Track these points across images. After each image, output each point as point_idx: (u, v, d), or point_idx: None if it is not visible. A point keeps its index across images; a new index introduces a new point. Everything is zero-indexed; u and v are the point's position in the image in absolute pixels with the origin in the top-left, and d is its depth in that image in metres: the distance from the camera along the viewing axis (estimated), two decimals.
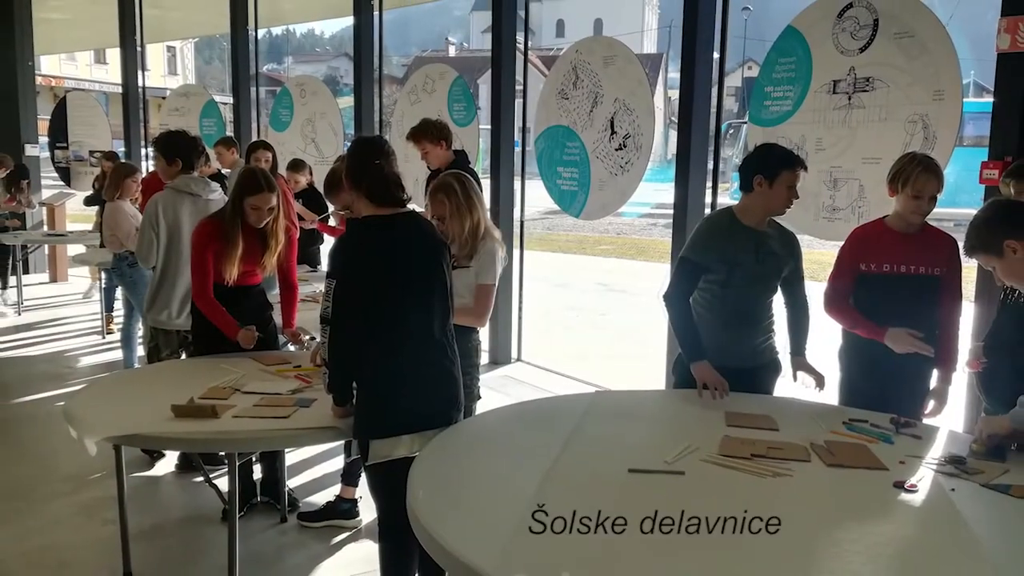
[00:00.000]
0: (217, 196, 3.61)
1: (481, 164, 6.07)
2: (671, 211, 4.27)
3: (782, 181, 2.47)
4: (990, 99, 3.16)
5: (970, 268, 2.62)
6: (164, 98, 9.92)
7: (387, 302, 2.14)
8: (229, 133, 7.54)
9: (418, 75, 6.10)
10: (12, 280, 7.34)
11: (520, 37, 5.75)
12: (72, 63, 27.44)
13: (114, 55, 12.10)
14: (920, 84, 3.19)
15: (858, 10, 3.35)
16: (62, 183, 9.14)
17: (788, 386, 2.72)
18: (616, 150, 4.55)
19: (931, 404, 2.58)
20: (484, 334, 3.46)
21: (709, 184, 4.16)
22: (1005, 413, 2.02)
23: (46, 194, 8.90)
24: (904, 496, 1.79)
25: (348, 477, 3.14)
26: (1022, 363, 2.13)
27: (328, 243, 4.78)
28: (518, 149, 5.56)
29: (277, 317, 3.27)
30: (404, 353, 2.16)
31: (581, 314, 8.07)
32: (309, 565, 2.88)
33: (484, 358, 4.29)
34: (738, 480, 1.85)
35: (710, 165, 4.19)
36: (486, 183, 4.97)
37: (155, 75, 25.88)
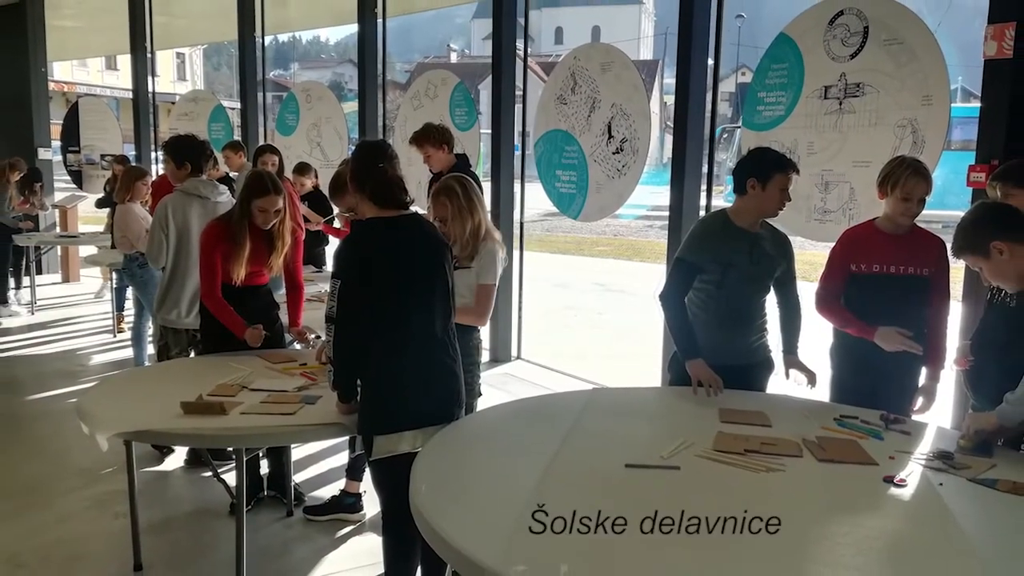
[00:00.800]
0: (225, 199, 3.65)
1: (482, 167, 6.12)
2: (667, 213, 4.30)
3: (775, 184, 2.51)
4: (977, 104, 3.20)
5: (958, 268, 2.64)
6: (173, 103, 9.97)
7: (390, 302, 2.17)
8: (237, 137, 7.61)
9: (420, 81, 6.14)
10: (26, 280, 7.41)
11: (520, 44, 5.79)
12: (84, 69, 27.58)
13: (125, 61, 12.15)
14: (909, 90, 3.22)
15: (849, 18, 3.39)
16: (74, 186, 9.21)
17: (781, 383, 2.76)
18: (613, 154, 4.60)
19: (920, 401, 2.62)
20: (485, 333, 3.48)
21: (704, 187, 4.20)
22: (992, 410, 2.05)
23: (59, 197, 8.99)
24: (893, 490, 1.82)
25: (352, 472, 3.18)
26: (1008, 361, 2.14)
27: (333, 244, 4.84)
28: (518, 153, 5.59)
29: (283, 316, 3.30)
30: (407, 352, 2.19)
31: (579, 313, 8.09)
32: (315, 558, 2.91)
33: (485, 356, 4.30)
34: (732, 475, 1.87)
35: (705, 168, 4.24)
36: (487, 186, 5.00)
37: (165, 81, 25.94)
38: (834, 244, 2.71)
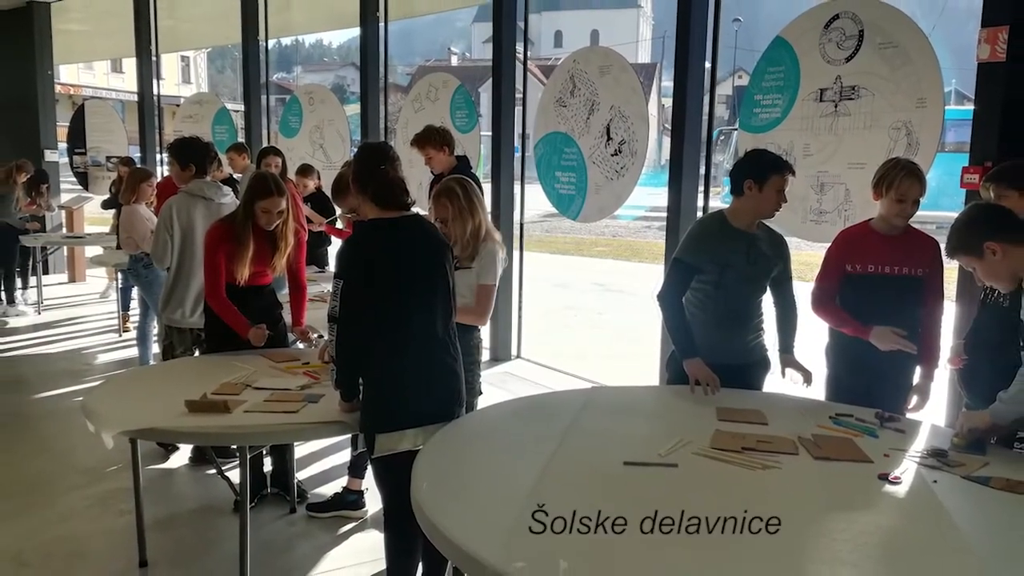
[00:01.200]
0: (229, 200, 3.68)
1: (482, 169, 6.15)
2: (665, 214, 4.32)
3: (771, 185, 2.53)
4: (971, 107, 3.20)
5: (952, 269, 2.65)
6: (178, 106, 10.06)
7: (392, 302, 2.19)
8: (240, 139, 7.65)
9: (422, 83, 6.18)
10: (32, 280, 7.44)
11: (520, 47, 5.82)
12: (90, 72, 27.65)
13: (130, 64, 12.23)
14: (903, 92, 3.24)
15: (844, 21, 3.41)
16: (80, 187, 9.26)
17: (777, 382, 2.78)
18: (612, 156, 4.63)
19: (914, 399, 2.63)
20: (485, 332, 3.51)
21: (701, 188, 4.21)
22: (985, 408, 2.08)
23: (65, 198, 9.03)
24: (888, 488, 1.84)
25: (355, 469, 3.20)
26: (1001, 360, 2.17)
27: (335, 245, 4.88)
28: (518, 155, 5.62)
29: (287, 316, 3.33)
30: (408, 351, 2.21)
31: (579, 313, 8.11)
32: (317, 554, 2.93)
33: (485, 355, 4.32)
34: (729, 473, 1.89)
35: (702, 170, 4.26)
36: (487, 187, 5.01)
37: (169, 84, 25.99)
38: (830, 245, 2.73)
